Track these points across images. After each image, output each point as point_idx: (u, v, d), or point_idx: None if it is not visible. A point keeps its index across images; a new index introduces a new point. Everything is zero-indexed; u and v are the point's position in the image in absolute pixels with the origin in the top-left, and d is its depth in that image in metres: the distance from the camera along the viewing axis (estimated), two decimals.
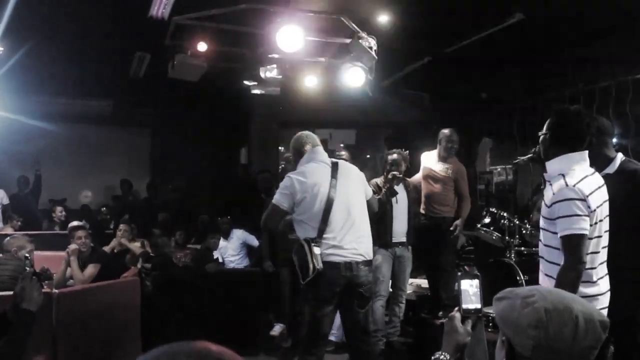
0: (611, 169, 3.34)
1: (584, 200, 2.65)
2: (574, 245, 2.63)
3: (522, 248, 5.97)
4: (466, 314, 1.90)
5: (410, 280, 6.31)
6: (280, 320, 6.52)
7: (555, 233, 2.72)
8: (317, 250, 3.69)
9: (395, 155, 5.64)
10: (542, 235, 2.86)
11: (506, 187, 9.45)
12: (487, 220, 6.21)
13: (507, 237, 5.96)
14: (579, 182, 2.69)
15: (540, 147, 2.93)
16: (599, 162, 3.27)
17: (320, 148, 4.09)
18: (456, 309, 1.94)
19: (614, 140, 7.45)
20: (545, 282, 2.81)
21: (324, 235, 3.74)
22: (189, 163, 8.93)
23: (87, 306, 4.53)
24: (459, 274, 2.01)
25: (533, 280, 5.54)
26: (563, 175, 2.73)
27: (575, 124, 2.82)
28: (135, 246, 6.43)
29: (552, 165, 2.83)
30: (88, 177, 9.82)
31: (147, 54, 7.18)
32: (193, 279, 6.05)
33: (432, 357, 1.84)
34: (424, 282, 6.60)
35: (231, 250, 7.12)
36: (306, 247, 3.69)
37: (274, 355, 5.80)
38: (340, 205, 3.82)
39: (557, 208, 2.68)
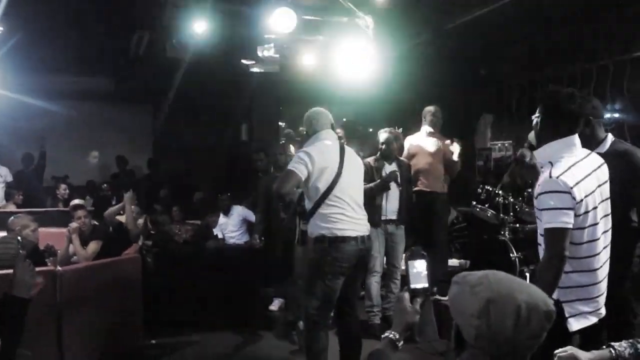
0: (602, 149, 3.38)
1: (567, 192, 2.57)
2: (554, 239, 2.59)
3: (517, 225, 6.05)
4: (414, 294, 1.93)
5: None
6: (279, 295, 6.66)
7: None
8: (303, 227, 3.92)
9: (386, 135, 5.70)
10: (538, 224, 2.79)
11: (506, 161, 9.51)
12: (482, 197, 6.30)
13: (501, 215, 6.05)
14: (563, 173, 2.61)
15: (534, 133, 2.86)
16: (591, 142, 3.35)
17: (332, 131, 4.18)
18: (405, 288, 1.98)
19: (615, 115, 7.56)
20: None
21: (338, 212, 3.90)
22: (190, 139, 9.01)
23: (90, 283, 4.65)
24: (407, 254, 2.05)
25: (527, 256, 5.67)
26: (551, 164, 2.68)
27: (567, 107, 2.73)
28: (138, 223, 6.54)
29: (542, 152, 2.76)
30: (90, 153, 9.93)
31: (146, 32, 7.21)
32: (193, 255, 6.17)
33: (382, 336, 1.89)
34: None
35: (231, 226, 7.23)
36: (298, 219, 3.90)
37: (273, 328, 5.94)
38: (348, 184, 4.00)
39: (542, 200, 2.63)
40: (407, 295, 1.95)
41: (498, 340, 1.48)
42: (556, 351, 2.05)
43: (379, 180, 5.51)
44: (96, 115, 9.73)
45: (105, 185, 8.48)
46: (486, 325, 1.48)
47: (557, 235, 2.57)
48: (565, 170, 2.62)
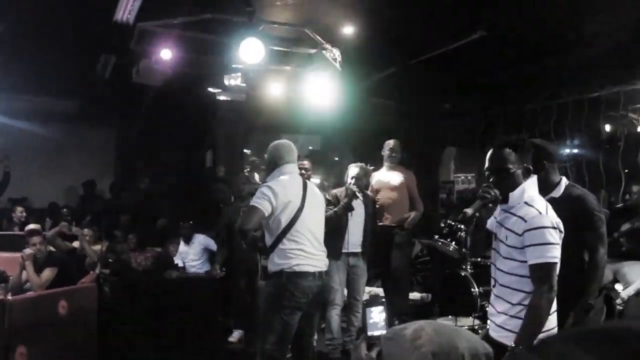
0: (556, 193, 3.44)
1: (555, 228, 2.66)
2: (546, 274, 2.63)
3: (479, 260, 6.11)
4: (372, 341, 1.91)
5: (368, 289, 6.41)
6: (239, 327, 6.57)
7: (524, 262, 2.69)
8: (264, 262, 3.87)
9: (357, 169, 5.72)
10: (504, 264, 2.79)
11: (468, 195, 9.64)
12: (445, 231, 6.35)
13: (463, 249, 6.10)
14: (548, 209, 2.71)
15: (500, 186, 2.81)
16: (546, 187, 3.42)
17: (295, 165, 4.22)
18: (362, 336, 1.95)
19: (574, 151, 7.76)
20: (501, 307, 2.79)
21: (297, 247, 3.92)
22: (154, 165, 8.90)
23: (43, 313, 4.52)
24: (364, 302, 2.03)
25: (488, 292, 5.71)
26: (527, 203, 2.73)
27: (530, 153, 2.83)
28: (96, 250, 6.40)
29: (515, 195, 2.78)
30: (52, 176, 9.69)
31: (112, 56, 7.14)
32: (152, 284, 6.05)
33: None
34: (380, 291, 6.70)
35: (192, 255, 7.14)
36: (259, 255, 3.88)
37: None
38: (309, 220, 4.01)
39: (531, 236, 2.65)
40: (364, 344, 1.93)
41: None
42: None
43: (340, 204, 5.49)
44: (60, 136, 9.53)
45: (65, 209, 8.29)
46: None
47: (552, 269, 2.64)
48: (547, 207, 2.75)
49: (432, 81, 8.17)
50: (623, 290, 5.12)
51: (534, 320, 2.62)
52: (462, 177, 10.09)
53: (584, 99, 6.50)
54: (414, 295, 6.62)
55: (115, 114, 9.05)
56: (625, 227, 5.69)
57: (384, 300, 1.94)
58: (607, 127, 7.22)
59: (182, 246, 7.17)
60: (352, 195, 5.46)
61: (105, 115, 9.13)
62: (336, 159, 12.56)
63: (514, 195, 2.79)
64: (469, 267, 6.07)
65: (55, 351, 4.51)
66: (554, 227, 2.66)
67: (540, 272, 2.64)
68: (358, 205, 5.66)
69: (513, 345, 2.57)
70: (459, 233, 6.19)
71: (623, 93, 6.28)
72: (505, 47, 6.72)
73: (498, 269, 2.85)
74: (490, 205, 2.87)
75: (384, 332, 1.94)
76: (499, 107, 7.85)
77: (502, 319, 2.78)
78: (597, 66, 6.29)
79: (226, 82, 6.23)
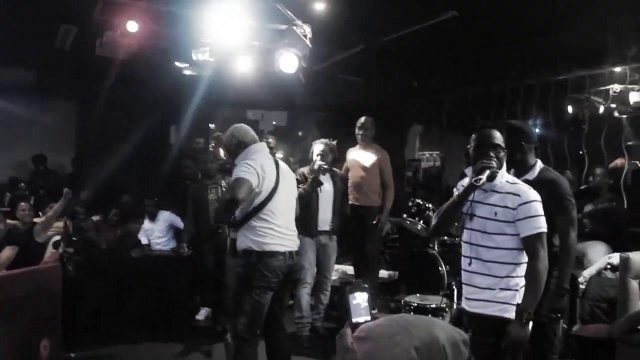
0: (531, 175, 3.47)
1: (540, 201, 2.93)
2: (542, 242, 2.87)
3: (446, 239, 6.18)
4: (356, 328, 1.89)
5: (336, 267, 6.45)
6: (206, 305, 6.51)
7: (514, 235, 2.89)
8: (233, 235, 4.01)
9: (322, 146, 5.69)
10: (492, 239, 2.93)
11: (433, 173, 9.72)
12: (413, 210, 6.39)
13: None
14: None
15: (499, 163, 2.99)
16: (521, 168, 3.45)
17: (264, 144, 4.21)
18: (347, 323, 1.92)
19: (537, 131, 7.87)
20: (486, 282, 2.92)
21: (268, 226, 3.91)
22: (116, 139, 8.66)
23: (4, 293, 4.36)
24: (347, 287, 2.00)
25: (455, 270, 5.80)
26: (508, 182, 2.98)
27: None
28: (58, 226, 6.22)
29: (499, 174, 2.96)
30: (9, 149, 9.32)
31: (73, 27, 6.85)
32: (117, 263, 5.94)
33: None
34: (349, 269, 6.74)
35: (157, 232, 7.02)
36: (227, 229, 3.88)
37: (201, 339, 5.79)
38: (282, 199, 4.01)
39: (526, 208, 2.87)
40: (349, 331, 1.89)
41: None
42: None
43: (308, 181, 5.46)
44: (17, 108, 9.15)
45: (22, 184, 8.01)
46: None
47: (544, 238, 2.90)
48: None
49: (401, 59, 8.14)
50: (585, 269, 5.24)
51: (538, 285, 2.86)
52: (427, 155, 10.12)
53: (551, 82, 6.57)
54: (382, 274, 6.69)
55: (76, 86, 8.72)
56: (588, 208, 5.83)
57: (366, 285, 1.94)
58: (570, 109, 7.32)
59: (147, 223, 7.04)
60: (318, 170, 5.45)
61: (66, 87, 8.79)
62: (300, 134, 12.50)
63: (502, 172, 2.99)
64: (436, 245, 6.14)
65: (18, 333, 4.37)
66: (540, 201, 2.91)
67: (537, 241, 2.86)
68: (326, 182, 5.66)
69: (519, 312, 2.80)
70: (427, 212, 6.26)
71: (589, 77, 6.37)
72: (475, 29, 6.73)
73: (481, 245, 2.95)
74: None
75: (367, 318, 1.90)
76: (466, 87, 7.88)
77: (492, 293, 2.90)
78: (565, 49, 6.36)
79: (194, 56, 6.05)
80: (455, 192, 3.15)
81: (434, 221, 3.21)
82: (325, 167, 5.50)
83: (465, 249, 3.09)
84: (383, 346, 1.50)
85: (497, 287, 2.90)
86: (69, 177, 8.81)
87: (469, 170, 3.17)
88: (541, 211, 2.89)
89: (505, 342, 2.79)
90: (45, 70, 8.44)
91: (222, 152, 7.16)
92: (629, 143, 6.80)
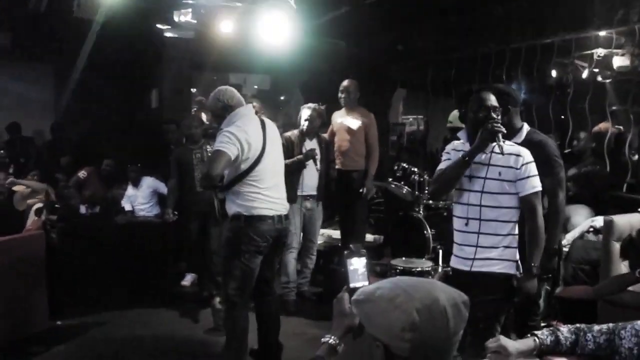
0: (518, 138, 3.48)
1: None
2: (539, 200, 3.04)
3: (430, 202, 6.21)
4: (354, 293, 1.86)
5: (322, 231, 6.46)
6: (191, 270, 6.50)
7: (515, 193, 3.00)
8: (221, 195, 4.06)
9: (310, 111, 5.64)
10: (495, 199, 3.02)
11: (417, 137, 9.72)
12: (398, 174, 6.40)
13: (416, 192, 6.18)
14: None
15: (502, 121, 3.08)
16: (508, 131, 3.44)
17: (250, 106, 4.12)
18: (344, 288, 1.90)
19: (523, 95, 7.87)
20: (489, 241, 3.03)
21: (257, 191, 3.89)
22: (96, 104, 8.47)
23: None
24: (345, 252, 1.97)
25: (439, 233, 5.84)
26: (506, 143, 3.04)
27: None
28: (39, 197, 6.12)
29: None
30: None
31: None
32: (101, 230, 5.88)
33: (322, 340, 1.80)
34: (335, 233, 6.76)
35: (141, 198, 6.94)
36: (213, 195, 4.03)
37: (188, 305, 5.80)
38: (270, 162, 3.98)
39: (528, 168, 3.00)
40: (346, 296, 1.87)
41: (434, 346, 1.45)
42: (487, 342, 2.10)
43: (296, 158, 5.46)
44: None
45: (2, 151, 7.82)
46: (420, 336, 1.42)
47: (540, 197, 3.05)
48: None
49: (384, 22, 8.03)
50: (568, 233, 5.31)
51: (541, 240, 3.05)
52: (411, 119, 10.12)
53: (537, 45, 6.54)
54: (367, 237, 6.71)
55: (52, 50, 8.47)
56: (572, 171, 5.88)
57: (364, 251, 1.94)
58: (554, 73, 7.33)
59: (130, 189, 6.95)
60: (307, 156, 5.44)
61: (42, 51, 8.54)
62: (282, 98, 12.38)
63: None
64: (421, 209, 6.17)
65: (3, 301, 4.33)
66: (534, 162, 3.04)
67: (536, 199, 3.02)
68: (313, 147, 5.62)
69: (528, 267, 3.00)
70: (412, 176, 6.28)
71: (575, 40, 6.34)
72: None
73: (484, 205, 3.03)
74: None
75: (366, 283, 1.89)
76: (451, 50, 7.81)
77: (497, 252, 3.03)
78: (552, 12, 6.31)
79: (176, 18, 5.92)
80: (447, 155, 3.15)
81: (433, 185, 3.23)
82: (316, 154, 5.47)
83: (460, 210, 3.13)
84: (384, 308, 1.48)
85: (501, 245, 3.03)
86: (48, 144, 8.63)
87: (462, 134, 3.18)
88: (536, 171, 3.01)
89: (518, 296, 3.04)
90: (19, 33, 8.19)
91: (204, 116, 7.07)
92: (613, 108, 6.85)
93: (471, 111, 3.09)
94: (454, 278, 3.16)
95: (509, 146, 3.01)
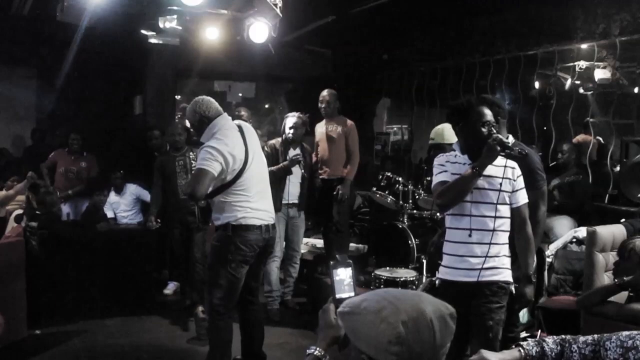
0: None
1: None
2: (527, 210, 3.21)
3: (415, 212, 6.21)
4: (340, 304, 1.83)
5: (305, 240, 6.45)
6: (174, 279, 6.44)
7: (509, 204, 3.13)
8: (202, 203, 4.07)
9: (294, 119, 5.64)
10: (498, 210, 3.08)
11: (402, 147, 9.74)
12: (382, 183, 6.39)
13: (400, 201, 6.18)
14: None
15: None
16: None
17: (227, 115, 4.06)
18: (330, 299, 1.87)
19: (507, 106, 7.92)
20: (494, 250, 3.08)
21: (244, 200, 3.85)
22: (79, 110, 8.38)
23: None
24: (331, 262, 1.94)
25: (423, 243, 5.84)
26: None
27: None
28: (20, 200, 6.03)
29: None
30: None
31: None
32: (83, 237, 5.80)
33: (307, 351, 1.77)
34: (318, 242, 6.74)
35: (124, 205, 6.87)
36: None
37: (169, 314, 5.73)
38: (254, 169, 3.94)
39: (520, 180, 3.15)
40: (332, 307, 1.84)
41: (420, 358, 1.44)
42: (471, 358, 2.08)
43: (281, 165, 5.44)
44: None
45: None
46: (406, 349, 1.40)
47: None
48: None
49: (370, 31, 8.07)
50: (551, 243, 5.34)
51: (534, 249, 3.23)
52: (395, 128, 10.14)
53: (521, 56, 6.60)
54: (351, 247, 6.69)
55: (35, 54, 8.37)
56: (555, 182, 5.93)
57: (350, 261, 1.91)
58: (537, 85, 7.39)
59: (113, 196, 6.88)
60: (292, 162, 5.42)
61: (25, 55, 8.43)
62: (267, 106, 12.37)
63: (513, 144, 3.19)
64: (406, 219, 6.17)
65: None
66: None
67: (527, 210, 3.18)
68: (296, 153, 5.61)
69: (527, 275, 3.18)
70: (397, 185, 6.28)
71: (557, 52, 6.41)
72: (445, 1, 6.69)
73: (486, 216, 3.08)
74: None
75: (352, 294, 1.86)
76: (435, 60, 7.86)
77: (500, 261, 3.10)
78: (535, 24, 6.38)
79: (161, 24, 5.87)
80: (441, 168, 3.17)
81: (444, 197, 3.13)
82: (301, 159, 5.46)
83: (461, 222, 3.13)
84: (369, 321, 1.45)
85: (502, 254, 3.11)
86: (28, 150, 8.51)
87: (456, 146, 3.21)
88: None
89: (520, 303, 3.26)
90: (1, 37, 8.08)
91: (187, 123, 7.02)
92: (592, 120, 6.93)
93: (471, 126, 3.08)
94: (446, 289, 3.15)
95: (502, 158, 3.07)
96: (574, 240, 5.25)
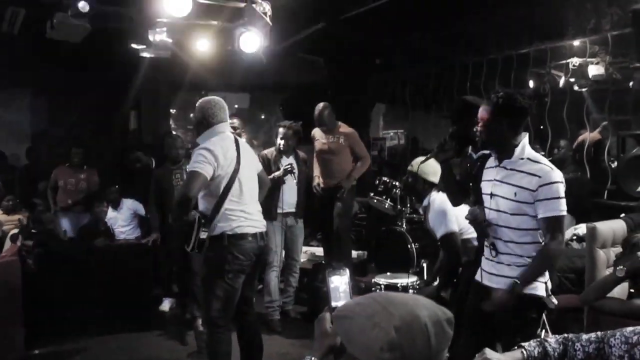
0: None
1: (563, 183, 2.84)
2: (560, 225, 2.84)
3: (413, 216, 6.18)
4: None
5: (305, 249, 6.40)
6: (169, 295, 6.37)
7: (534, 216, 2.85)
8: (203, 234, 3.74)
9: (284, 130, 5.63)
10: (512, 220, 2.92)
11: (398, 151, 9.72)
12: (379, 188, 6.36)
13: (398, 206, 6.15)
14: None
15: (486, 135, 2.94)
16: None
17: (227, 124, 4.03)
18: (326, 307, 1.84)
19: None
20: (509, 260, 2.96)
21: (238, 208, 3.81)
22: (74, 127, 8.36)
23: None
24: (327, 270, 1.91)
25: (422, 247, 5.80)
26: (530, 159, 2.88)
27: (523, 105, 2.90)
28: (14, 220, 6.00)
29: (518, 150, 2.90)
30: None
31: (21, 9, 6.54)
32: (80, 254, 5.75)
33: None
34: (318, 250, 6.69)
35: (121, 220, 6.83)
36: (196, 224, 3.72)
37: (169, 329, 5.67)
38: (245, 178, 3.90)
39: (546, 190, 2.79)
40: (328, 315, 1.80)
41: None
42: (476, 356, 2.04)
43: (274, 174, 5.41)
44: None
45: None
46: (400, 355, 1.36)
47: (563, 221, 2.86)
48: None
49: (362, 37, 8.05)
50: None
51: (544, 265, 2.91)
52: (391, 134, 10.13)
53: (513, 55, 6.59)
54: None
55: (28, 73, 8.35)
56: None
57: (345, 268, 1.87)
58: (531, 83, 7.38)
59: (110, 212, 6.83)
60: (285, 172, 5.39)
61: (18, 75, 8.42)
62: (262, 116, 12.35)
63: (517, 150, 2.90)
64: (404, 223, 6.13)
65: None
66: (562, 182, 2.83)
67: (555, 224, 2.82)
68: (291, 161, 5.59)
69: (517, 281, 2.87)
70: (394, 190, 6.24)
71: (549, 50, 6.40)
72: (437, 3, 6.67)
73: (501, 225, 2.96)
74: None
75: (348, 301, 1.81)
76: (429, 62, 7.85)
77: (520, 271, 2.91)
78: (526, 22, 6.37)
79: (150, 37, 5.84)
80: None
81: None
82: (293, 170, 5.42)
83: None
84: (362, 326, 1.41)
85: (519, 264, 2.93)
86: (25, 168, 8.49)
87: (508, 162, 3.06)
88: (562, 193, 2.82)
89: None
90: None
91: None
92: (590, 116, 6.92)
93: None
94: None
95: (532, 163, 2.91)
96: (575, 237, 5.20)
